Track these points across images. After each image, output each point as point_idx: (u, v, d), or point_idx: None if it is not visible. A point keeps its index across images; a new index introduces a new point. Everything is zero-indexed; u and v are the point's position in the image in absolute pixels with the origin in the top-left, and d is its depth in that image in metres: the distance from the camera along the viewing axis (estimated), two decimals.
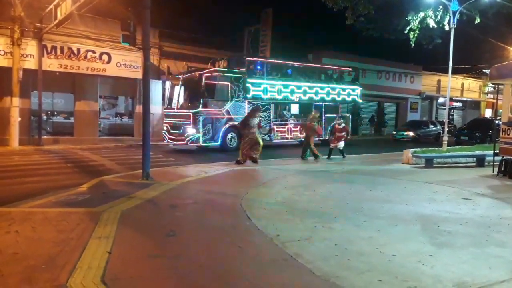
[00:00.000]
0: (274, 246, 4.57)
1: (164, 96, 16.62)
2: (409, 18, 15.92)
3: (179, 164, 11.95)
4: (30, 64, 16.67)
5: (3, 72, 16.09)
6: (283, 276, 3.78)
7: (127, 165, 11.60)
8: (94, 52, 18.45)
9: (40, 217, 5.60)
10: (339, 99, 19.97)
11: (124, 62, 19.24)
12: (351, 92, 20.51)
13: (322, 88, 19.15)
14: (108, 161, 12.69)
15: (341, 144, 13.52)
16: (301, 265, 4.00)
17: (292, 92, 17.98)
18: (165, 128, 16.42)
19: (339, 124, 13.94)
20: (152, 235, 5.01)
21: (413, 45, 16.78)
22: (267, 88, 17.15)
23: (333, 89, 19.64)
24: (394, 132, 26.13)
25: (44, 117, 18.29)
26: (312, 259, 4.12)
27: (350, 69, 21.65)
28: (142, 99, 9.47)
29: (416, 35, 16.28)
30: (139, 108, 19.66)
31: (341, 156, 13.56)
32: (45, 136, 17.46)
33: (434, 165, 11.88)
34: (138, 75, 18.55)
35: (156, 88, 20.06)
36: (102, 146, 17.24)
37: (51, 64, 17.42)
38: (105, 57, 18.76)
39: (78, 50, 18.08)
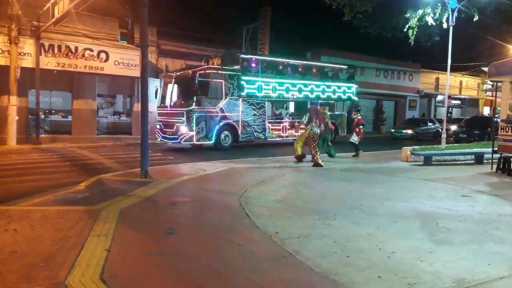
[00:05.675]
0: (273, 244, 4.56)
1: (156, 94, 16.43)
2: (407, 15, 15.92)
3: (178, 162, 11.93)
4: (28, 62, 16.62)
5: (1, 71, 16.04)
6: (282, 273, 3.77)
7: (126, 163, 11.57)
8: (91, 50, 18.42)
9: (39, 215, 5.58)
10: (335, 97, 19.75)
11: (122, 61, 19.22)
12: (347, 90, 20.31)
13: (317, 86, 18.93)
14: (106, 159, 12.66)
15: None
16: (300, 262, 3.99)
17: (287, 90, 17.77)
18: (158, 126, 16.19)
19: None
20: (151, 233, 5.00)
21: (412, 42, 16.79)
22: (261, 85, 16.91)
23: (329, 87, 19.43)
24: (393, 130, 26.18)
25: (42, 116, 18.28)
26: (311, 256, 4.11)
27: (346, 66, 21.45)
28: (140, 98, 9.42)
29: (414, 32, 16.28)
30: (137, 107, 19.65)
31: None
32: (43, 135, 17.43)
33: (433, 162, 11.89)
34: (136, 73, 18.52)
35: (154, 86, 20.03)
36: (100, 145, 17.20)
37: (49, 62, 17.38)
38: (103, 55, 18.73)
39: (76, 48, 18.04)
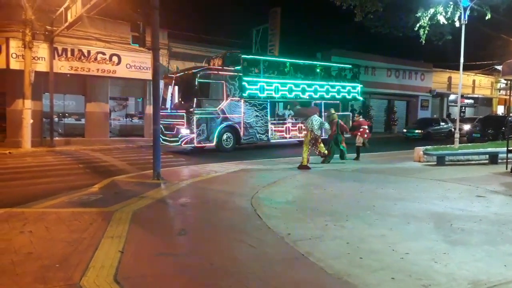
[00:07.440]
0: (285, 245, 4.55)
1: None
2: (418, 14, 15.75)
3: (189, 164, 11.98)
4: (42, 66, 16.87)
5: (15, 75, 16.30)
6: (294, 275, 3.76)
7: (138, 165, 11.67)
8: (104, 54, 18.61)
9: (53, 217, 5.66)
10: (339, 97, 19.36)
11: (134, 63, 19.37)
12: (352, 90, 19.94)
13: (321, 86, 18.59)
14: (119, 161, 12.79)
15: None
16: (313, 263, 3.98)
17: (290, 90, 17.46)
18: None
19: None
20: (164, 234, 5.04)
21: (423, 42, 16.61)
22: (263, 86, 16.58)
23: (333, 86, 19.08)
24: (405, 130, 25.93)
25: (56, 119, 18.50)
26: (323, 258, 4.09)
27: (350, 66, 21.06)
28: (152, 100, 9.51)
29: (426, 31, 16.10)
30: (149, 109, 19.78)
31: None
32: (56, 138, 17.66)
33: (446, 162, 11.75)
34: (148, 76, 18.63)
35: None
36: (113, 147, 17.37)
37: (62, 66, 17.62)
38: (115, 58, 18.91)
39: (89, 52, 18.26)
